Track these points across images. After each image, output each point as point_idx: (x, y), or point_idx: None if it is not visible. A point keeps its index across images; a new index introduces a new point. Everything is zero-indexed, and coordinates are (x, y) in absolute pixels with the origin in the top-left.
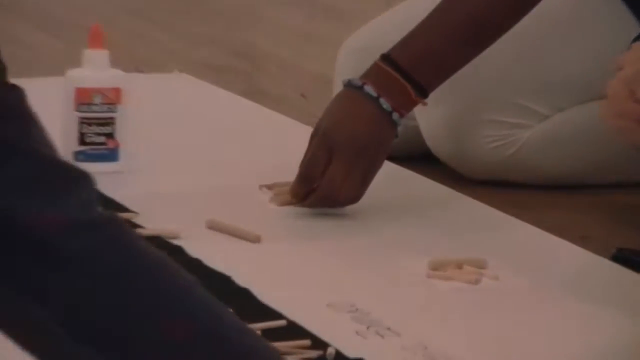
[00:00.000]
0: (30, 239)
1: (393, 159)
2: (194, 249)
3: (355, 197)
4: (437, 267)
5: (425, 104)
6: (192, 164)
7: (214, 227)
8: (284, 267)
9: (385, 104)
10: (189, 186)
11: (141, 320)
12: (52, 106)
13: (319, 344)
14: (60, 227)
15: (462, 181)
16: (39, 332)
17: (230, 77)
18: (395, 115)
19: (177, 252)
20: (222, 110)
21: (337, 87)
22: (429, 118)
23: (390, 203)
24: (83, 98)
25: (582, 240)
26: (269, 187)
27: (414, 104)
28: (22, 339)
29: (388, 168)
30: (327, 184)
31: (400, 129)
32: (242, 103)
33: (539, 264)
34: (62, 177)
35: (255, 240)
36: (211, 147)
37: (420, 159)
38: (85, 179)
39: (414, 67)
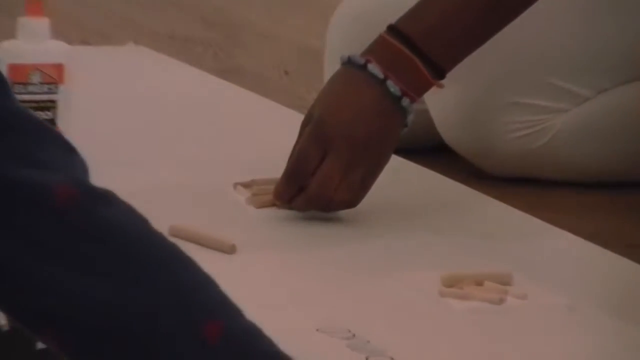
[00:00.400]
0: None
1: (398, 151)
2: None
3: (353, 201)
4: (451, 284)
5: (441, 86)
6: (152, 157)
7: (178, 234)
8: (265, 284)
9: (393, 87)
10: (148, 184)
11: (172, 316)
12: None
13: None
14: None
15: (483, 178)
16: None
17: (198, 51)
18: (405, 101)
19: None
20: (188, 91)
21: (329, 64)
22: (442, 101)
23: (395, 204)
24: (18, 76)
25: (629, 249)
26: (246, 185)
27: (428, 86)
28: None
29: (393, 162)
30: (319, 183)
31: (410, 117)
32: (213, 82)
33: (575, 279)
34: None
35: (230, 250)
36: (175, 136)
37: (432, 150)
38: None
39: (428, 41)
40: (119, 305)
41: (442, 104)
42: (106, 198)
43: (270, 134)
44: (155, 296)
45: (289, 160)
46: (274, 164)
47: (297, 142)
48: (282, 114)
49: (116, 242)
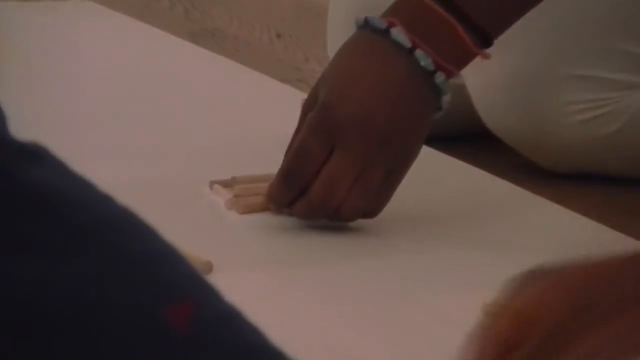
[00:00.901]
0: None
1: (428, 139)
2: None
3: (370, 209)
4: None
5: (487, 56)
6: (104, 145)
7: None
8: (248, 312)
9: (423, 58)
10: (99, 180)
11: (120, 293)
12: None
13: None
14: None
15: (536, 174)
16: None
17: (164, 7)
18: (439, 77)
19: None
20: (150, 58)
21: (335, 27)
22: (483, 74)
23: (421, 209)
24: None
25: None
26: (226, 184)
27: (470, 57)
28: None
29: (420, 153)
30: (324, 185)
31: (446, 99)
32: (182, 47)
33: None
34: None
35: (204, 269)
36: (131, 118)
37: (470, 139)
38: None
39: None
40: (55, 283)
41: (483, 79)
42: (35, 154)
43: (257, 116)
44: (98, 270)
45: (286, 155)
46: (263, 156)
47: (297, 131)
48: (273, 89)
49: (51, 209)
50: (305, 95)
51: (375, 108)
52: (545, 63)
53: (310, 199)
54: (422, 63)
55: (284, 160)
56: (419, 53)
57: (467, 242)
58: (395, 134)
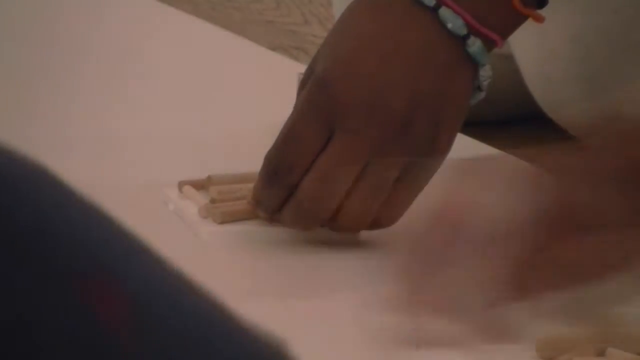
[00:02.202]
0: None
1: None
2: None
3: (387, 218)
4: (551, 352)
5: (539, 19)
6: (47, 134)
7: None
8: None
9: (452, 18)
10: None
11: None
12: None
13: None
14: None
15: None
16: None
17: None
18: (472, 44)
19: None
20: (110, 19)
21: None
22: (538, 40)
23: None
24: None
25: None
26: (200, 184)
27: (519, 19)
28: None
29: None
30: (316, 182)
31: (485, 74)
32: (151, 7)
33: None
34: None
35: None
36: (82, 94)
37: (518, 123)
38: None
39: None
40: None
41: (539, 46)
42: None
43: (239, 94)
44: None
45: (274, 144)
46: (245, 149)
47: (291, 116)
48: (260, 59)
49: None
50: (303, 68)
51: (391, 84)
52: (632, 24)
53: (298, 200)
54: (450, 25)
55: (268, 152)
56: (445, 12)
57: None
58: (417, 118)
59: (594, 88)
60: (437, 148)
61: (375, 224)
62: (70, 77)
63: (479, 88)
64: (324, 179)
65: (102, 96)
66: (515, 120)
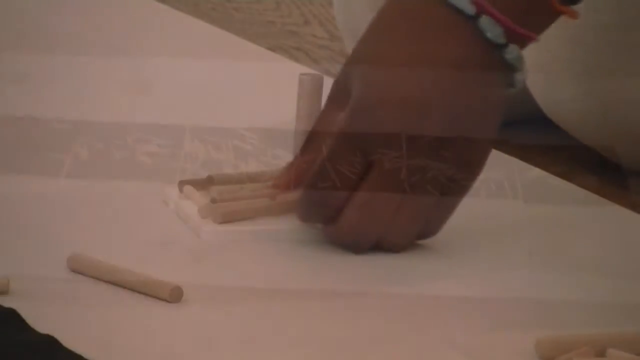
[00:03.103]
0: None
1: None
2: (46, 317)
3: (423, 233)
4: (552, 352)
5: (575, 15)
6: (57, 133)
7: (82, 269)
8: (225, 351)
9: (492, 27)
10: (37, 185)
11: None
12: None
13: None
14: None
15: (618, 178)
16: None
17: None
18: (511, 52)
19: (11, 323)
20: (115, 21)
21: None
22: (539, 43)
23: (466, 221)
24: None
25: None
26: (200, 184)
27: (553, 16)
28: None
29: None
30: (357, 213)
31: (520, 77)
32: (154, 9)
33: None
34: None
35: (172, 297)
36: (89, 95)
37: (522, 124)
38: None
39: None
40: None
41: (539, 51)
42: None
43: (238, 96)
44: None
45: (314, 172)
46: (247, 148)
47: (310, 139)
48: (260, 60)
49: None
50: (303, 69)
51: (428, 109)
52: (632, 24)
53: (341, 228)
54: (489, 35)
55: (308, 179)
56: (485, 21)
57: (518, 261)
58: (454, 140)
59: (594, 88)
60: (474, 165)
61: (419, 238)
62: (70, 77)
63: (512, 86)
64: (364, 211)
65: (102, 96)
66: (515, 120)
